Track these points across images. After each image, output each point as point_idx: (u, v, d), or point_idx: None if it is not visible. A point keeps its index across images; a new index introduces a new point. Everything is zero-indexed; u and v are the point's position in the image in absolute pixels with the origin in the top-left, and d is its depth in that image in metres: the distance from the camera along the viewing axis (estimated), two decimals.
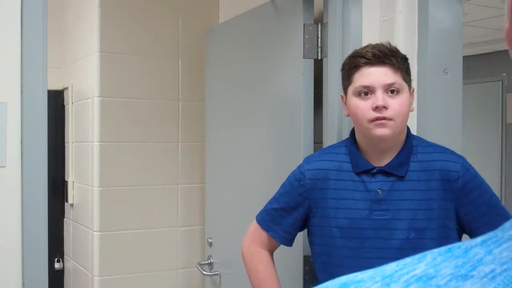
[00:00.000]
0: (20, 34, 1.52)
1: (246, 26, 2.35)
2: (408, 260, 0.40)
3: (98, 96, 2.61)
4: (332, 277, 1.67)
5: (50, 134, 1.66)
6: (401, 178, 1.47)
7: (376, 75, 1.43)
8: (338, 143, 1.64)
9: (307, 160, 1.63)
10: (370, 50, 1.44)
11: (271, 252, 1.67)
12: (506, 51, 0.48)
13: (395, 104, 1.42)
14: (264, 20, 2.19)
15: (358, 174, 1.50)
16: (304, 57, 1.94)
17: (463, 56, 1.83)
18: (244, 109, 2.36)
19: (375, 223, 1.47)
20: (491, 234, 0.39)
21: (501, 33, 0.45)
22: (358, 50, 1.50)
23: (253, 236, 1.69)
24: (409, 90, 1.49)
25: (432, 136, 1.77)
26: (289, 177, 1.63)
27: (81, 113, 2.85)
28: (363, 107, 1.44)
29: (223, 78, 2.55)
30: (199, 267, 2.61)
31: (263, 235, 1.65)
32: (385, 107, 1.41)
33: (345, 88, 1.52)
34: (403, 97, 1.44)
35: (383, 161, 1.49)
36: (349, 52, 1.84)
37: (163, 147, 2.78)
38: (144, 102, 2.72)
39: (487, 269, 0.36)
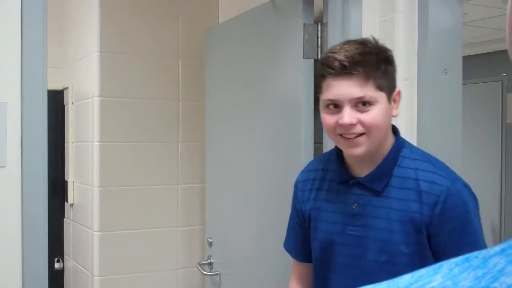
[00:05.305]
0: (20, 34, 1.52)
1: (246, 26, 2.34)
2: (423, 271, 0.38)
3: (98, 96, 2.61)
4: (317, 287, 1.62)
5: (50, 134, 1.66)
6: (378, 193, 1.32)
7: (342, 89, 1.26)
8: (332, 149, 1.51)
9: (301, 171, 1.57)
10: (339, 57, 1.26)
11: (308, 281, 1.57)
12: (506, 51, 0.48)
13: (365, 119, 1.27)
14: (264, 20, 2.19)
15: (339, 184, 1.40)
16: (304, 57, 1.94)
17: (463, 56, 1.83)
18: (244, 109, 2.36)
19: (348, 239, 1.36)
20: (510, 242, 0.37)
21: (501, 33, 0.45)
22: (329, 54, 1.31)
23: (292, 269, 1.64)
24: (390, 96, 1.31)
25: (432, 136, 1.77)
26: None
27: (81, 113, 2.85)
28: (329, 121, 1.31)
29: (223, 78, 2.55)
30: (199, 267, 2.61)
31: (293, 261, 1.62)
32: (352, 124, 1.27)
33: (319, 92, 1.38)
34: (377, 108, 1.27)
35: (363, 172, 1.35)
36: None
37: (163, 147, 2.78)
38: (144, 102, 2.72)
39: (509, 280, 0.34)
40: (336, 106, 1.30)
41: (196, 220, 2.84)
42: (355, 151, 1.29)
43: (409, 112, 1.79)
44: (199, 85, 2.76)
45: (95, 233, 2.62)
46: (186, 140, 2.83)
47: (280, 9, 2.09)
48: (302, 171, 1.56)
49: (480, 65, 4.70)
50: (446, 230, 1.27)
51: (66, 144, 3.09)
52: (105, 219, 2.63)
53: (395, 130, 1.40)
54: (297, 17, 1.97)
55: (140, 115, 2.71)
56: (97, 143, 2.62)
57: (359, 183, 1.36)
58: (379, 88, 1.28)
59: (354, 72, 1.25)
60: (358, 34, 1.85)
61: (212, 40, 2.62)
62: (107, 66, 2.62)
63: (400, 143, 1.36)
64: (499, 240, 4.35)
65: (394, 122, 1.79)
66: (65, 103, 3.09)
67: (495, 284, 0.34)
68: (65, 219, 3.13)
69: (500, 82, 4.51)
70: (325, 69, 1.29)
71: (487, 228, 4.42)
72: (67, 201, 3.04)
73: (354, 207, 1.36)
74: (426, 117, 1.76)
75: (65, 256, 3.14)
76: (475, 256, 0.37)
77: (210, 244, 2.62)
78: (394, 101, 1.34)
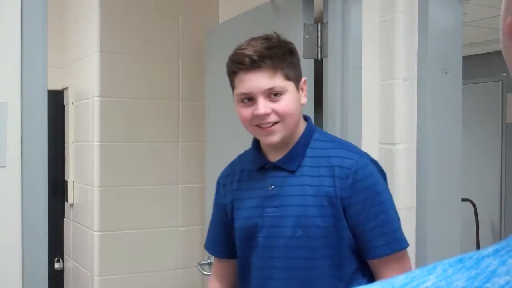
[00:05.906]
0: (20, 34, 1.52)
1: (246, 26, 2.34)
2: (417, 272, 0.38)
3: (98, 96, 2.61)
4: (242, 282, 1.66)
5: (50, 134, 1.66)
6: (293, 172, 1.40)
7: (253, 82, 1.35)
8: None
9: (224, 169, 1.62)
10: (247, 53, 1.36)
11: (228, 279, 1.59)
12: None
13: (278, 107, 1.36)
14: (264, 20, 2.19)
15: (258, 171, 1.47)
16: (304, 57, 1.94)
17: (463, 56, 1.83)
18: None
19: (267, 220, 1.41)
20: (503, 243, 0.38)
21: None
22: (237, 51, 1.41)
23: (212, 269, 1.65)
24: (297, 85, 1.41)
25: (432, 136, 1.77)
26: None
27: (81, 113, 2.85)
28: (245, 114, 1.39)
29: (223, 78, 2.53)
30: (199, 267, 2.61)
31: (213, 260, 1.63)
32: (267, 114, 1.35)
33: (232, 88, 1.45)
34: (287, 97, 1.36)
35: (279, 157, 1.43)
36: (349, 52, 1.85)
37: (163, 147, 2.78)
38: (144, 102, 2.72)
39: (501, 281, 0.34)
40: (249, 99, 1.38)
41: (196, 220, 2.84)
42: (271, 139, 1.38)
43: (409, 112, 1.79)
44: (199, 85, 2.76)
45: (95, 233, 2.62)
46: (186, 140, 2.83)
47: (280, 9, 2.09)
48: (224, 169, 1.62)
49: (480, 65, 4.70)
50: (359, 201, 1.35)
51: (66, 144, 3.08)
52: (105, 219, 2.63)
53: (307, 118, 1.49)
54: (297, 17, 1.97)
55: (140, 115, 2.71)
56: (97, 143, 2.62)
57: (275, 166, 1.43)
58: (287, 78, 1.37)
59: (263, 65, 1.35)
60: (358, 34, 1.85)
61: (212, 40, 2.62)
62: (107, 66, 2.62)
63: (311, 128, 1.46)
64: (499, 240, 4.34)
65: (396, 121, 1.80)
66: (65, 103, 3.09)
67: (488, 285, 0.34)
68: (65, 219, 3.13)
69: (500, 82, 4.51)
70: (235, 65, 1.39)
71: (487, 228, 4.42)
72: (67, 201, 3.04)
73: (270, 189, 1.42)
74: (426, 117, 1.76)
75: (65, 256, 3.14)
76: (469, 257, 0.38)
77: None
78: (302, 89, 1.43)
